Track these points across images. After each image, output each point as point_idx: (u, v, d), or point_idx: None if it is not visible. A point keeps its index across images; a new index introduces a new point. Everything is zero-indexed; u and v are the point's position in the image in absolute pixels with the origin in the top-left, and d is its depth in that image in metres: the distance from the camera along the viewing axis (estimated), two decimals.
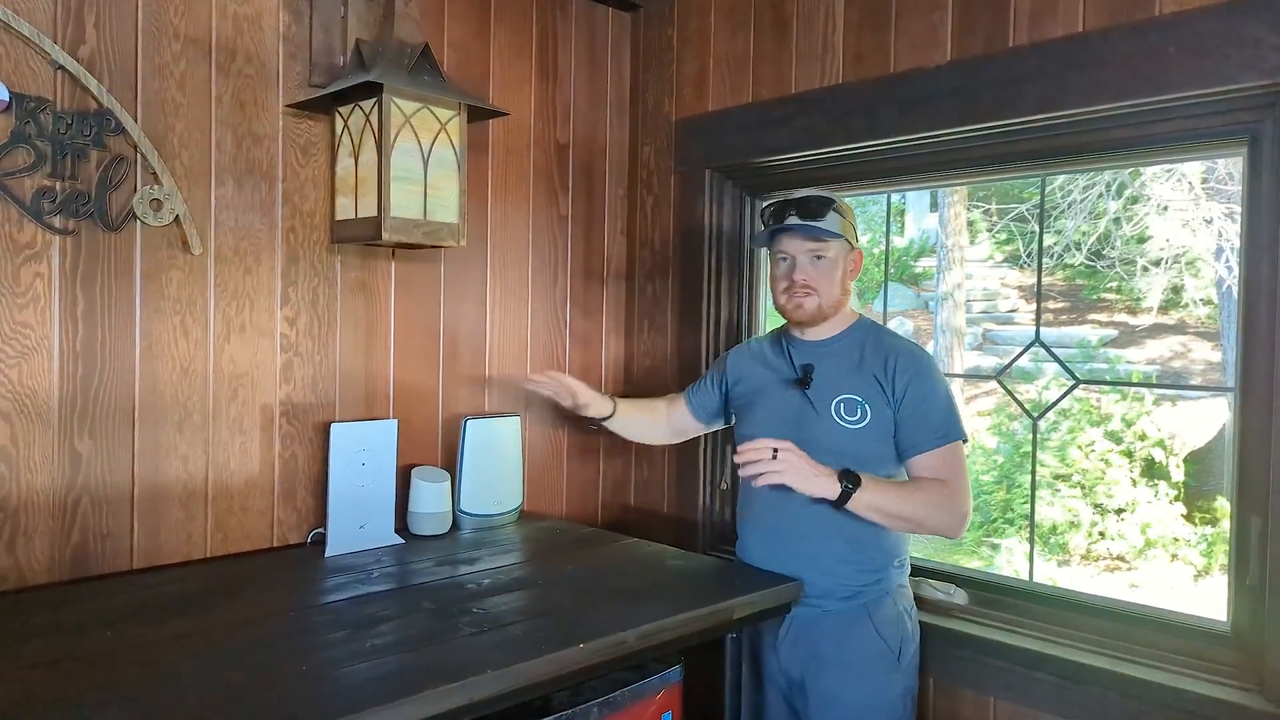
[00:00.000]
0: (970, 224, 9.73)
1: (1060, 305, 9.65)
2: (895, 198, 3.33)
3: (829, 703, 1.84)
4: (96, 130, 1.77)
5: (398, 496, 2.18)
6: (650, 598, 1.76)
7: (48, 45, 1.70)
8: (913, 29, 2.08)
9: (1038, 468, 4.35)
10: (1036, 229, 9.18)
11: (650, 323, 2.74)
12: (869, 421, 1.86)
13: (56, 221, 1.74)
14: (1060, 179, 7.94)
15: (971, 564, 6.44)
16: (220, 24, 1.94)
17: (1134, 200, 7.99)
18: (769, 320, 2.57)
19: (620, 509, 2.81)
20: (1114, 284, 9.07)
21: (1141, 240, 8.28)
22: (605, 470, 2.80)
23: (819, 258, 1.90)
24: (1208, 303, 8.32)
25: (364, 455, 2.10)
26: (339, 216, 2.09)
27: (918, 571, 2.12)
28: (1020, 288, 10.22)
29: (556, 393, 2.23)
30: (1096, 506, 6.92)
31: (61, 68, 1.73)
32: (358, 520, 2.09)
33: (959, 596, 2.07)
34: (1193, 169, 7.31)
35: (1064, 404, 7.19)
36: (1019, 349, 2.44)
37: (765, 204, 2.11)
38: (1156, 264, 8.28)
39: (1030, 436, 2.50)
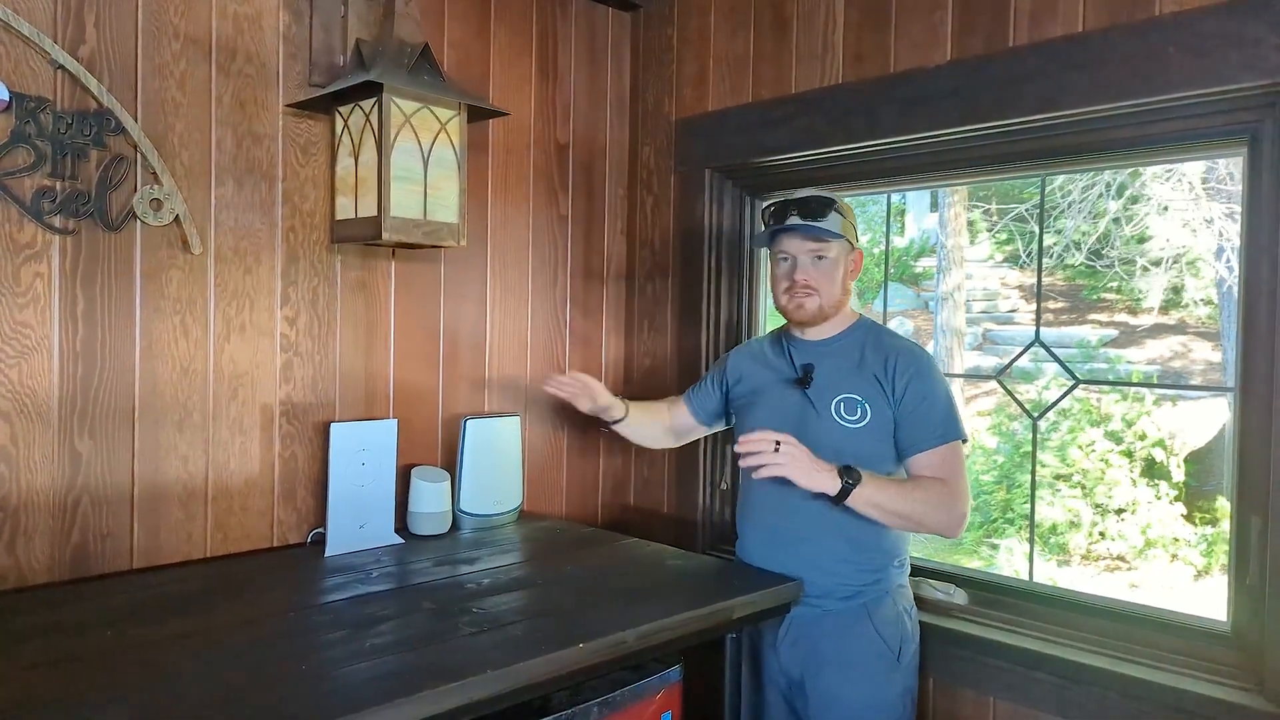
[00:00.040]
0: (970, 224, 9.73)
1: (1060, 305, 9.65)
2: (895, 198, 3.33)
3: (829, 702, 1.84)
4: (96, 130, 1.77)
5: (397, 496, 2.18)
6: (650, 598, 1.76)
7: (48, 45, 1.70)
8: (913, 29, 2.08)
9: (1038, 468, 4.34)
10: (1036, 229, 9.18)
11: (650, 323, 2.74)
12: (869, 421, 1.86)
13: (56, 221, 1.74)
14: (1060, 179, 7.94)
15: (972, 564, 6.44)
16: (220, 24, 1.94)
17: (1134, 200, 7.99)
18: (769, 320, 2.57)
19: (620, 509, 2.81)
20: (1114, 284, 9.07)
21: (1141, 240, 8.28)
22: (605, 470, 2.80)
23: (820, 258, 1.90)
24: (1208, 303, 8.32)
25: (364, 455, 2.11)
26: (339, 216, 2.09)
27: (918, 571, 2.12)
28: (1020, 288, 10.22)
29: (575, 395, 2.20)
30: (1097, 507, 6.92)
31: (61, 67, 1.73)
32: (357, 520, 2.09)
33: (959, 596, 2.07)
34: (1193, 169, 7.31)
35: (1064, 404, 7.19)
36: (1019, 349, 2.44)
37: (766, 204, 2.11)
38: (1157, 264, 8.28)
39: (1030, 436, 2.50)
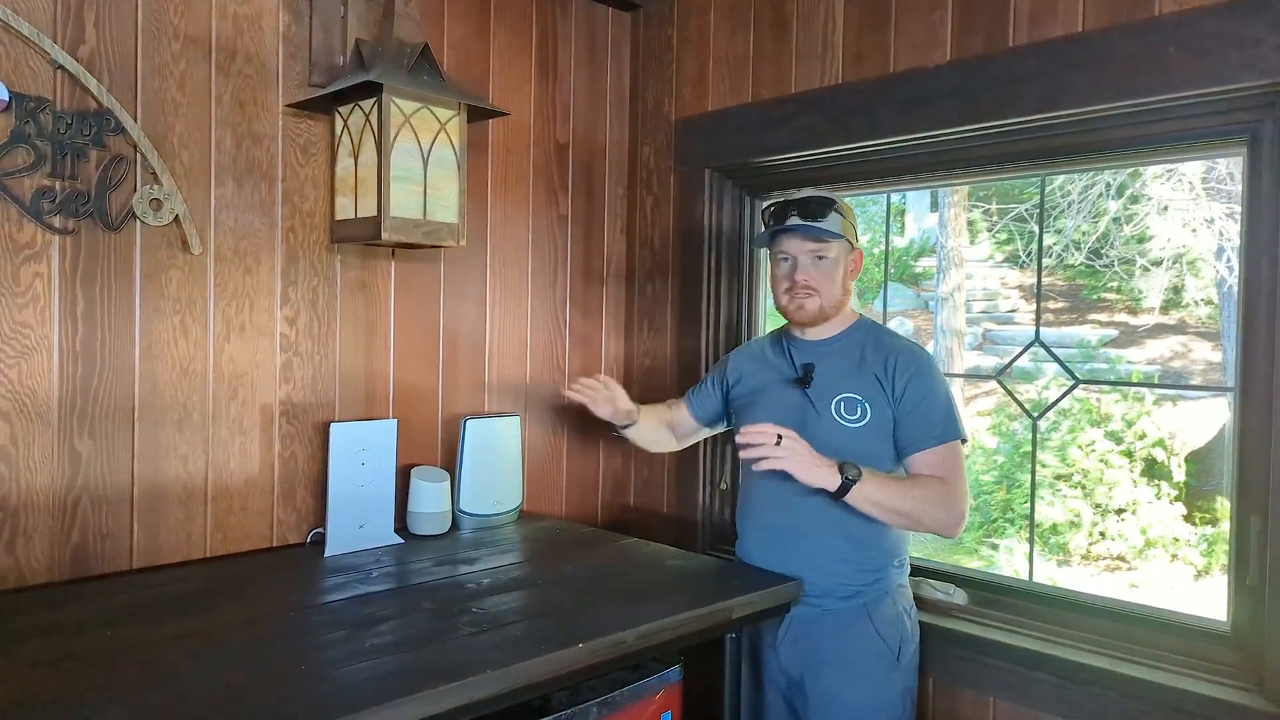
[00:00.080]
0: (970, 224, 9.73)
1: (1060, 305, 9.65)
2: (895, 198, 3.33)
3: (828, 702, 1.84)
4: (96, 130, 1.77)
5: (397, 496, 2.18)
6: (650, 598, 1.76)
7: (47, 45, 1.70)
8: (912, 29, 2.08)
9: (1038, 468, 4.34)
10: (1036, 229, 9.18)
11: (650, 323, 2.74)
12: (869, 420, 1.86)
13: (56, 221, 1.74)
14: (1060, 179, 7.94)
15: (972, 564, 6.44)
16: (220, 24, 1.94)
17: (1134, 200, 7.99)
18: (769, 320, 2.57)
19: (620, 509, 2.81)
20: (1114, 284, 9.07)
21: (1141, 240, 8.28)
22: (605, 470, 2.80)
23: (820, 258, 1.91)
24: (1208, 303, 8.32)
25: (364, 455, 2.10)
26: (339, 216, 2.09)
27: (917, 571, 2.12)
28: (1020, 288, 10.22)
29: (595, 400, 2.12)
30: (1097, 507, 6.92)
31: (61, 67, 1.73)
32: (357, 520, 2.09)
33: (959, 596, 2.07)
34: (1193, 169, 7.31)
35: (1064, 404, 7.19)
36: (1019, 349, 2.44)
37: (766, 205, 2.11)
38: (1157, 264, 8.28)
39: (1030, 436, 2.50)
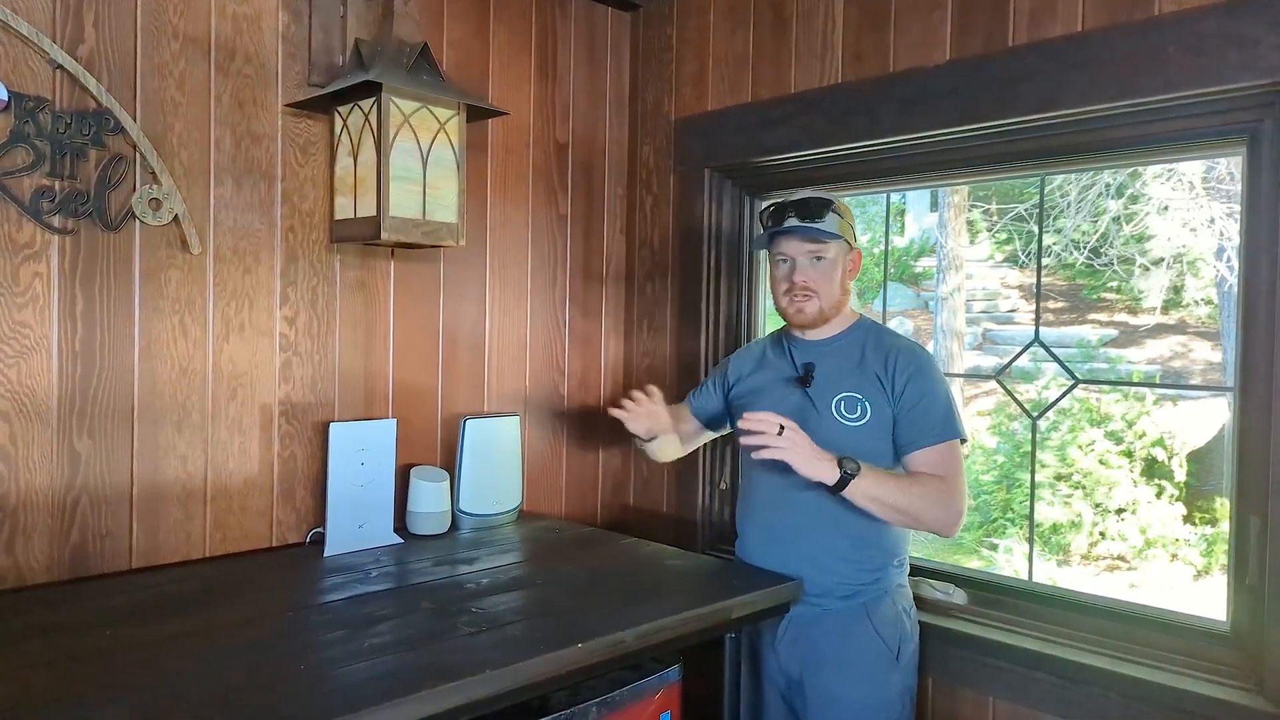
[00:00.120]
0: (970, 224, 9.73)
1: (1060, 305, 9.65)
2: (895, 197, 3.33)
3: (828, 702, 1.84)
4: (95, 129, 1.77)
5: (397, 496, 2.18)
6: (649, 597, 1.76)
7: (46, 44, 1.70)
8: (912, 29, 2.08)
9: (1038, 468, 4.34)
10: (1036, 229, 9.18)
11: (650, 322, 2.74)
12: (869, 419, 1.86)
13: (55, 221, 1.74)
14: (1059, 179, 7.94)
15: (971, 564, 6.44)
16: (219, 23, 1.94)
17: (1134, 200, 7.99)
18: (769, 321, 2.57)
19: (619, 509, 2.81)
20: (1114, 284, 9.07)
21: (1141, 240, 8.28)
22: (604, 470, 2.80)
23: (818, 259, 1.91)
24: (1208, 302, 8.32)
25: (363, 455, 2.10)
26: (338, 216, 2.09)
27: (917, 571, 2.12)
28: (1020, 287, 10.22)
29: (630, 419, 2.02)
30: (1097, 506, 6.92)
31: (60, 67, 1.72)
32: (357, 520, 2.09)
33: (958, 596, 2.07)
34: (1193, 168, 7.31)
35: (1064, 404, 7.19)
36: (1019, 349, 2.44)
37: (763, 207, 2.11)
38: (1157, 264, 8.28)
39: (1030, 436, 2.50)
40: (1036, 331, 2.26)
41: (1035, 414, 2.32)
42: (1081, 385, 6.61)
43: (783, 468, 1.76)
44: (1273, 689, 1.61)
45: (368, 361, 2.22)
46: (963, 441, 1.85)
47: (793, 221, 1.89)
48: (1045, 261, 8.89)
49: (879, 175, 2.28)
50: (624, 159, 2.80)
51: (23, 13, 1.68)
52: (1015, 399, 3.71)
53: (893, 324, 5.90)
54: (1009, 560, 6.67)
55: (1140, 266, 8.49)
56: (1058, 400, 6.48)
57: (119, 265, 1.82)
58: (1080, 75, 1.80)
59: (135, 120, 1.82)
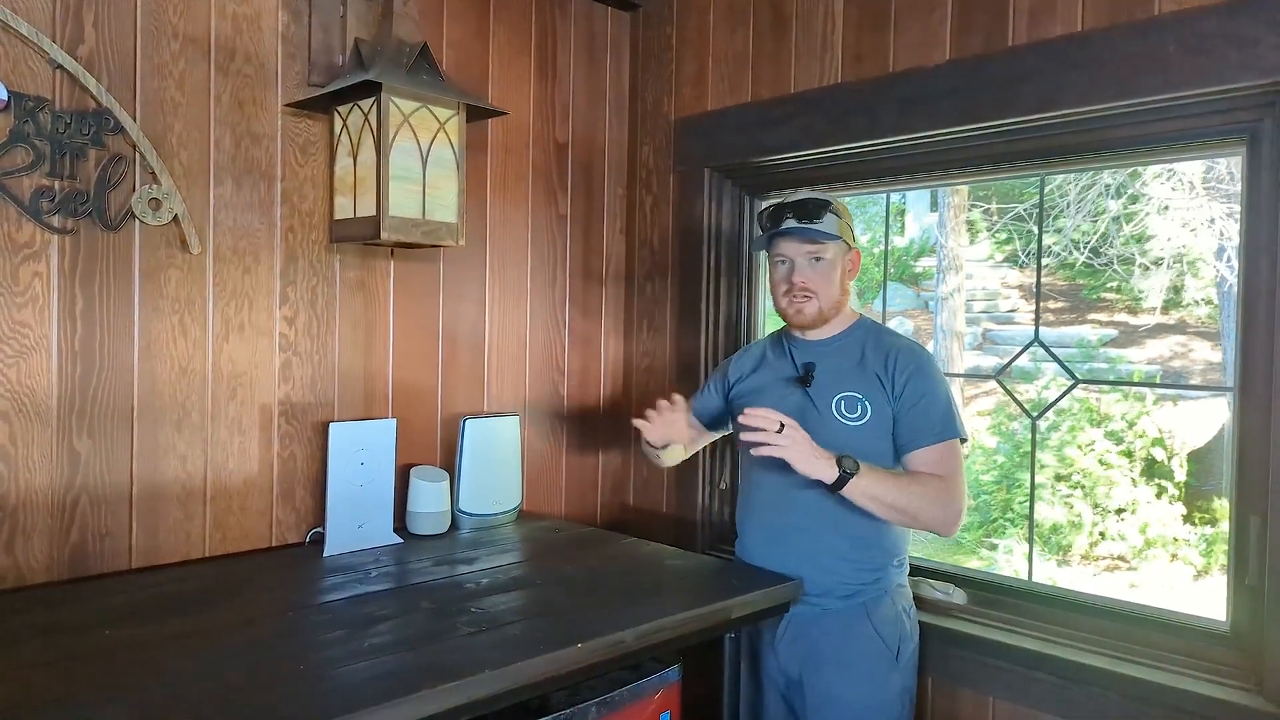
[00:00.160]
0: (970, 224, 9.73)
1: (1060, 305, 9.65)
2: (895, 197, 3.33)
3: (827, 701, 1.84)
4: (95, 129, 1.77)
5: (396, 496, 2.18)
6: (649, 597, 1.76)
7: (46, 44, 1.70)
8: (912, 29, 2.08)
9: (1037, 468, 4.35)
10: (1035, 229, 9.18)
11: (649, 322, 2.74)
12: (869, 418, 1.86)
13: (55, 221, 1.74)
14: (1059, 179, 7.94)
15: (971, 564, 6.44)
16: (219, 23, 1.94)
17: (1134, 200, 7.99)
18: (769, 321, 2.57)
19: (619, 508, 2.81)
20: (1114, 284, 9.07)
21: (1141, 240, 8.28)
22: (604, 470, 2.80)
23: (817, 259, 1.91)
24: (1208, 303, 8.32)
25: (363, 455, 2.10)
26: (338, 216, 2.09)
27: (917, 571, 2.12)
28: (1020, 287, 10.22)
29: (648, 429, 1.99)
30: (1096, 506, 6.92)
31: (60, 67, 1.72)
32: (356, 520, 2.09)
33: (958, 596, 2.07)
34: (1193, 168, 7.31)
35: (1064, 404, 7.19)
36: (1019, 349, 2.44)
37: (762, 208, 2.11)
38: (1157, 264, 8.28)
39: (1030, 436, 2.50)
40: (1036, 331, 2.26)
41: (1035, 414, 2.32)
42: (1081, 385, 6.61)
43: (782, 467, 1.76)
44: (1273, 689, 1.60)
45: (367, 361, 2.22)
46: (963, 441, 1.85)
47: (791, 222, 1.89)
48: (1045, 261, 8.89)
49: (879, 175, 2.28)
50: (624, 159, 2.80)
51: (23, 13, 1.68)
52: (1015, 399, 3.72)
53: (893, 324, 5.90)
54: (1009, 560, 6.67)
55: (1140, 266, 8.49)
56: (1057, 400, 6.49)
57: (119, 265, 1.82)
58: (1080, 75, 1.80)
59: (135, 120, 1.82)
